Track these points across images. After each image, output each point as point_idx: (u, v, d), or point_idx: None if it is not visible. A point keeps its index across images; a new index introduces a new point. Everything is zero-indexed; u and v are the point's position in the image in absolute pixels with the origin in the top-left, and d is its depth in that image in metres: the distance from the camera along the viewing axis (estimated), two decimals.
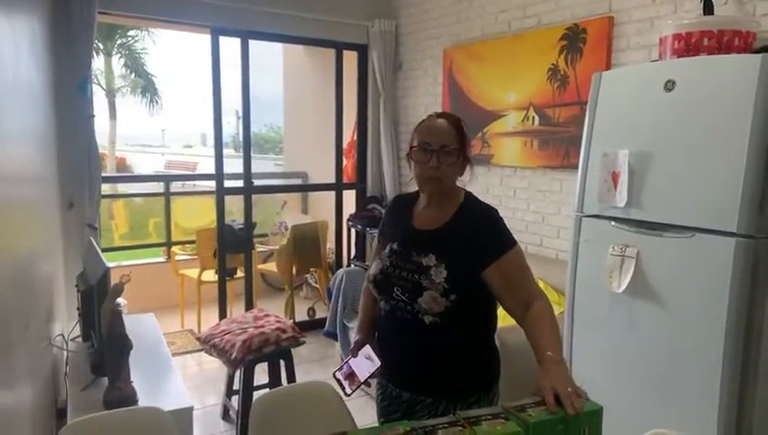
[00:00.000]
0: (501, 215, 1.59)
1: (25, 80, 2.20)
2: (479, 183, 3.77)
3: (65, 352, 2.53)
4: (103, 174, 3.65)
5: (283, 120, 7.22)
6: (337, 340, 3.73)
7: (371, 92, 4.65)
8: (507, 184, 3.65)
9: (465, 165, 1.59)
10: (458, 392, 1.55)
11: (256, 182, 4.46)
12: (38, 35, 2.60)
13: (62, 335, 2.51)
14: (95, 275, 2.36)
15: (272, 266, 5.27)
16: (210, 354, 3.10)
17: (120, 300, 3.08)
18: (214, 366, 4.02)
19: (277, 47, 6.81)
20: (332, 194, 4.86)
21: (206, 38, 4.02)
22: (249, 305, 4.38)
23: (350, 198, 4.87)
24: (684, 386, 1.97)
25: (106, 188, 4.15)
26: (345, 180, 4.88)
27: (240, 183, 4.30)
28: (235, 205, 5.19)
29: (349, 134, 4.95)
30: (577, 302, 2.36)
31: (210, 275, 4.60)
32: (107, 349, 2.12)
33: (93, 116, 3.49)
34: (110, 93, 14.54)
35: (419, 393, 1.58)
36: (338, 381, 1.66)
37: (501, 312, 1.64)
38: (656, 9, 2.76)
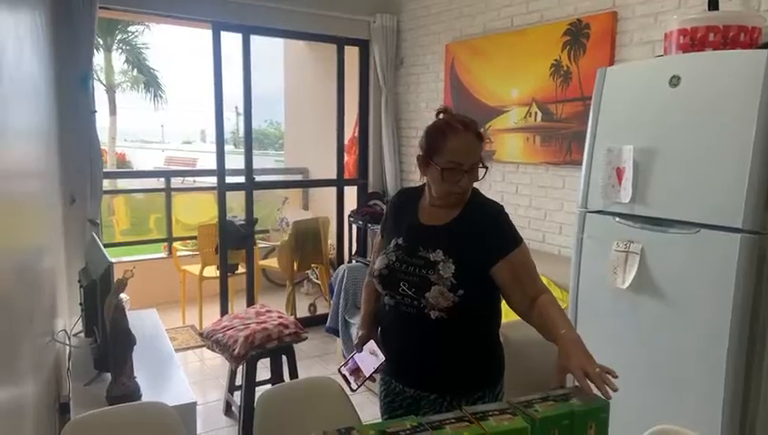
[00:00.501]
0: (508, 212, 1.59)
1: (28, 75, 2.20)
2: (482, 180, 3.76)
3: (68, 348, 2.52)
4: (104, 170, 3.64)
5: (283, 116, 7.20)
6: (338, 336, 3.72)
7: (373, 88, 4.65)
8: (509, 180, 3.65)
9: (484, 169, 1.58)
10: (463, 388, 1.55)
11: (257, 178, 4.45)
12: (40, 30, 2.59)
13: (65, 331, 2.51)
14: (98, 270, 2.35)
15: (273, 262, 5.26)
16: (212, 350, 3.09)
17: (122, 296, 3.09)
18: (215, 362, 4.03)
19: (278, 43, 6.79)
20: (334, 190, 4.85)
21: (206, 33, 4.00)
22: (251, 301, 4.38)
23: (351, 194, 4.87)
24: (688, 382, 1.97)
25: (106, 184, 4.14)
26: (346, 176, 4.87)
27: (241, 179, 4.29)
28: (235, 201, 5.18)
29: (350, 130, 4.94)
30: (581, 298, 2.36)
31: (212, 271, 4.60)
32: (110, 344, 2.12)
33: (95, 111, 3.48)
34: (110, 89, 14.51)
35: (424, 389, 1.58)
36: (343, 376, 1.66)
37: (504, 307, 1.64)
38: (660, 4, 2.75)
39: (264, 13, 4.08)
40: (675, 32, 2.15)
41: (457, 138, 1.51)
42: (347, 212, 4.76)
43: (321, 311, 4.86)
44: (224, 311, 4.31)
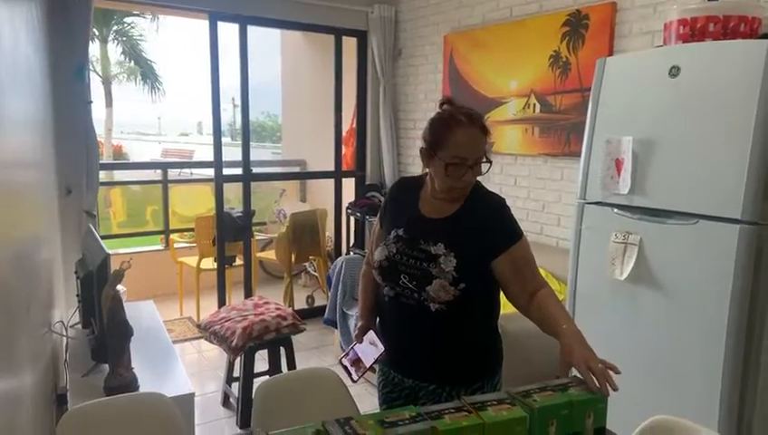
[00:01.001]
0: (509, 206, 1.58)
1: (24, 66, 2.18)
2: None
3: (65, 339, 2.52)
4: (100, 161, 3.63)
5: (280, 108, 7.17)
6: (336, 328, 3.73)
7: (371, 79, 4.62)
8: (508, 172, 3.64)
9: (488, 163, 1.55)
10: (462, 379, 1.55)
11: (254, 170, 4.43)
12: (36, 21, 2.57)
13: (62, 322, 2.50)
14: (94, 261, 2.34)
15: (270, 254, 5.26)
16: (210, 341, 3.10)
17: (119, 287, 3.08)
18: (213, 353, 4.03)
19: (275, 34, 6.75)
20: (331, 182, 4.84)
21: (203, 24, 3.97)
22: (248, 293, 4.37)
23: (349, 185, 4.86)
24: (686, 373, 1.97)
25: (103, 176, 4.12)
26: (344, 168, 4.86)
27: (238, 171, 4.28)
28: (233, 193, 5.17)
29: (348, 122, 4.92)
30: (579, 289, 2.36)
31: (209, 263, 4.59)
32: (108, 335, 2.11)
33: (91, 102, 3.46)
34: (107, 80, 14.43)
35: (422, 380, 1.58)
36: (344, 367, 1.65)
37: (502, 298, 1.63)
38: None
39: (261, 3, 4.05)
40: (674, 22, 2.14)
41: (462, 132, 1.48)
42: (345, 204, 4.75)
43: (318, 303, 4.86)
44: (221, 303, 4.31)
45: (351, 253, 4.63)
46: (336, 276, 3.77)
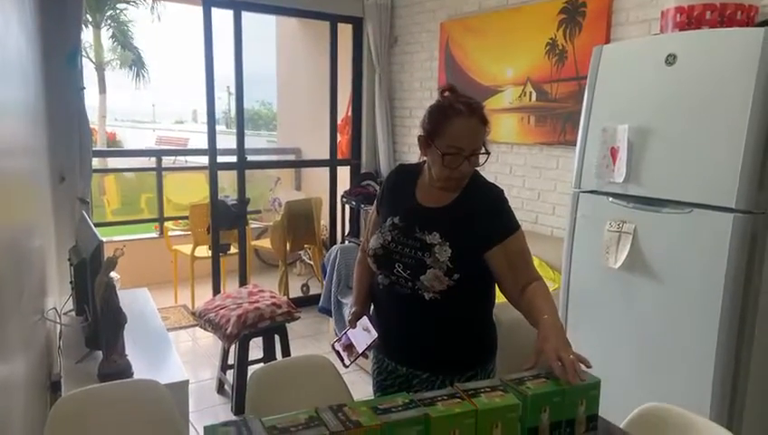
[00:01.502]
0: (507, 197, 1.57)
1: (15, 51, 2.15)
2: None
3: (58, 326, 2.51)
4: (94, 148, 3.60)
5: (275, 96, 7.12)
6: (331, 316, 3.73)
7: (366, 67, 4.59)
8: (503, 161, 3.63)
9: (486, 155, 1.53)
10: (456, 367, 1.55)
11: (249, 158, 4.41)
12: (28, 4, 2.53)
13: (56, 309, 2.49)
14: (88, 248, 2.33)
15: (265, 243, 5.25)
16: (205, 329, 3.10)
17: (112, 274, 3.07)
18: (208, 341, 4.03)
19: (270, 22, 6.69)
20: (326, 170, 4.82)
21: (197, 11, 3.93)
22: (243, 281, 4.37)
23: (344, 174, 4.84)
24: (679, 360, 1.98)
25: (96, 163, 4.09)
26: (339, 156, 4.84)
27: (233, 159, 4.26)
28: (227, 181, 5.15)
29: (343, 110, 4.90)
30: (573, 278, 2.36)
31: (203, 251, 4.58)
32: (101, 322, 2.11)
33: (83, 88, 3.42)
34: (100, 67, 14.30)
35: (416, 368, 1.58)
36: (336, 352, 1.65)
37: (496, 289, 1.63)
38: None
39: None
40: (671, 10, 2.13)
41: (460, 122, 1.46)
42: (340, 193, 4.74)
43: (313, 291, 4.87)
44: (216, 291, 4.30)
45: (346, 241, 4.63)
46: (331, 265, 3.77)
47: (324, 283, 3.83)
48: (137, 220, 6.47)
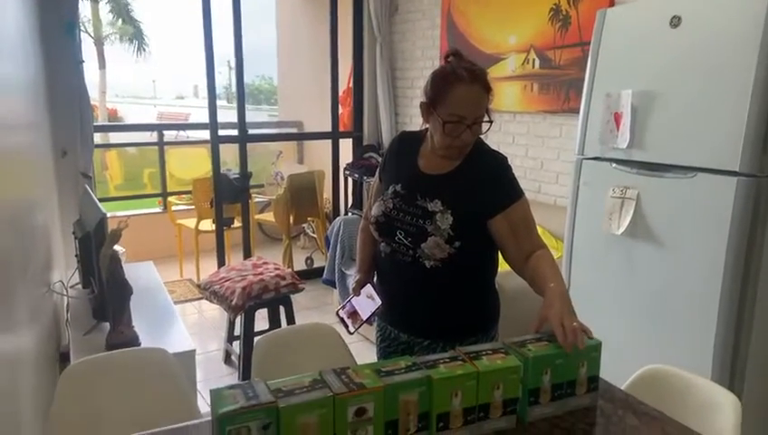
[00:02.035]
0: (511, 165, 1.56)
1: (13, 24, 2.13)
2: None
3: (66, 299, 2.54)
4: (95, 124, 3.59)
5: (276, 70, 7.06)
6: (335, 287, 3.76)
7: (367, 37, 4.53)
8: (506, 130, 3.61)
9: (489, 123, 1.50)
10: (457, 334, 1.56)
11: (251, 132, 4.39)
12: None
13: (62, 282, 2.52)
14: (92, 222, 2.34)
15: (269, 217, 5.26)
16: (210, 301, 3.12)
17: (117, 247, 3.09)
18: (214, 313, 4.07)
19: None
20: (329, 143, 4.80)
21: None
22: (247, 255, 4.39)
23: (346, 146, 4.82)
24: (681, 324, 2.00)
25: (98, 138, 4.08)
26: (341, 129, 4.81)
27: (234, 132, 4.24)
28: (229, 155, 5.13)
29: (345, 81, 4.85)
30: (575, 245, 2.36)
31: (207, 225, 4.60)
32: (108, 294, 2.13)
33: (83, 61, 3.40)
34: (99, 42, 14.15)
35: (418, 335, 1.59)
36: (341, 319, 1.66)
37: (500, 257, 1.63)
38: None
39: None
40: None
41: (462, 89, 1.42)
42: (342, 165, 4.73)
43: (317, 264, 4.89)
44: (221, 264, 4.33)
45: (349, 214, 4.64)
46: (334, 237, 3.78)
47: (328, 255, 3.85)
48: (140, 195, 6.47)
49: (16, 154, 1.91)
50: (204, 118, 4.26)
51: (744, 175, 1.78)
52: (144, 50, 14.30)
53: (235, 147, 4.29)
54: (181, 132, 9.08)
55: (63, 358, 2.32)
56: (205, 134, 4.38)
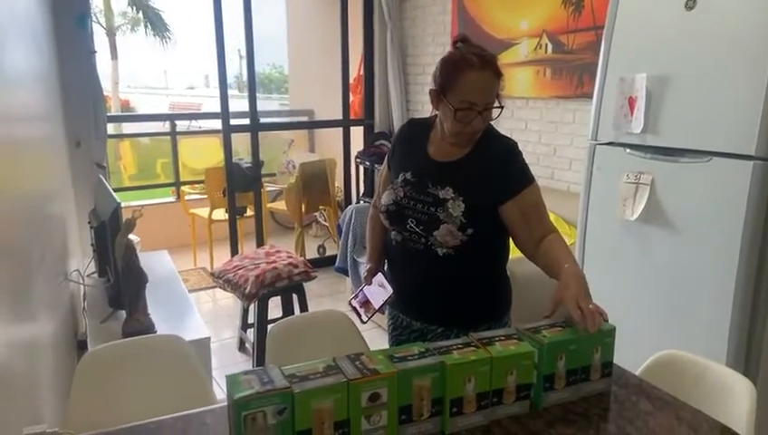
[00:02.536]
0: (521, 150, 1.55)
1: (25, 15, 2.14)
2: None
3: (82, 288, 2.57)
4: (111, 114, 3.61)
5: (286, 58, 7.04)
6: (348, 275, 3.77)
7: (378, 24, 4.50)
8: (518, 116, 3.58)
9: (500, 109, 1.49)
10: (470, 322, 1.56)
11: (262, 120, 4.40)
12: None
13: (78, 271, 2.55)
14: (107, 211, 2.37)
15: (281, 205, 5.28)
16: (224, 289, 3.15)
17: (132, 237, 3.12)
18: (228, 302, 4.11)
19: None
20: (340, 131, 4.79)
21: None
22: (260, 243, 4.42)
23: (357, 134, 4.81)
24: (696, 310, 1.98)
25: (112, 129, 4.10)
26: (352, 117, 4.80)
27: (246, 121, 4.25)
28: (241, 144, 5.15)
29: (355, 69, 4.84)
30: (589, 231, 2.35)
31: (220, 214, 4.63)
32: (123, 282, 2.16)
33: (95, 52, 3.42)
34: (111, 32, 14.18)
35: (430, 323, 1.59)
36: (354, 308, 1.67)
37: (511, 243, 1.62)
38: None
39: None
40: None
41: (473, 75, 1.41)
42: (353, 153, 4.72)
43: (330, 252, 4.91)
44: (234, 253, 4.36)
45: (361, 202, 4.64)
46: (346, 225, 3.78)
47: (340, 243, 3.85)
48: (153, 185, 6.51)
49: (29, 145, 1.93)
50: (215, 107, 4.27)
51: (761, 159, 1.76)
52: (169, 39, 14.23)
53: (246, 136, 4.30)
54: (194, 122, 9.13)
55: (81, 345, 2.36)
56: (217, 124, 4.39)
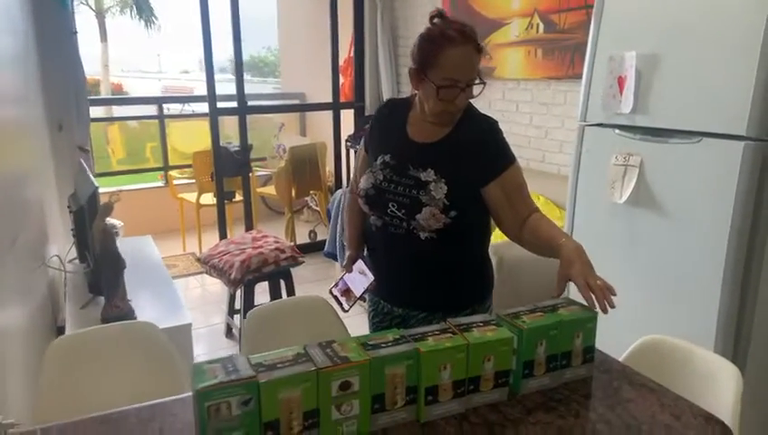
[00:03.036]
0: (502, 129, 1.50)
1: None
2: (481, 97, 3.61)
3: (63, 273, 2.53)
4: (94, 97, 3.54)
5: (277, 40, 6.93)
6: (337, 260, 3.73)
7: (368, 4, 4.41)
8: (510, 98, 3.52)
9: (481, 85, 1.44)
10: (452, 306, 1.52)
11: (251, 103, 4.32)
12: None
13: (58, 256, 2.50)
14: (85, 195, 2.32)
15: (272, 190, 5.22)
16: (210, 275, 3.11)
17: (115, 222, 3.07)
18: (216, 288, 4.07)
19: None
20: (331, 115, 4.72)
21: None
22: (249, 228, 4.37)
23: (348, 117, 4.74)
24: (684, 294, 1.95)
25: (101, 112, 4.03)
26: (342, 99, 4.73)
27: (235, 104, 4.18)
28: (232, 128, 5.07)
29: (346, 51, 4.75)
30: (577, 214, 2.31)
31: (209, 199, 4.57)
32: (101, 267, 2.11)
33: (76, 32, 3.33)
34: (100, 14, 13.94)
35: (412, 308, 1.55)
36: (335, 297, 1.63)
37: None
38: None
39: None
40: None
41: (455, 51, 1.36)
42: (344, 137, 4.66)
43: (321, 237, 4.86)
44: (222, 238, 4.31)
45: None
46: (335, 209, 3.74)
47: (329, 228, 3.81)
48: (142, 169, 6.43)
49: (4, 127, 1.87)
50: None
51: (752, 139, 1.71)
52: (153, 23, 14.00)
53: (237, 119, 4.23)
54: (187, 106, 9.00)
55: (61, 332, 2.32)
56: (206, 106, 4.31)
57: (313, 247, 4.60)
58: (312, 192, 5.10)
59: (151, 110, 5.71)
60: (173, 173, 5.25)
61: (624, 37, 2.06)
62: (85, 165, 2.65)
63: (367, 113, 4.61)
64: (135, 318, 2.09)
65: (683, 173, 1.90)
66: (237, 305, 3.19)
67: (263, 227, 4.85)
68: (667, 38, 1.92)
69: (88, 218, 2.21)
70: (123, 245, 2.89)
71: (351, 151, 4.69)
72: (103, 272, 2.09)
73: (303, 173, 4.76)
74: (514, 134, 3.36)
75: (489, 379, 1.18)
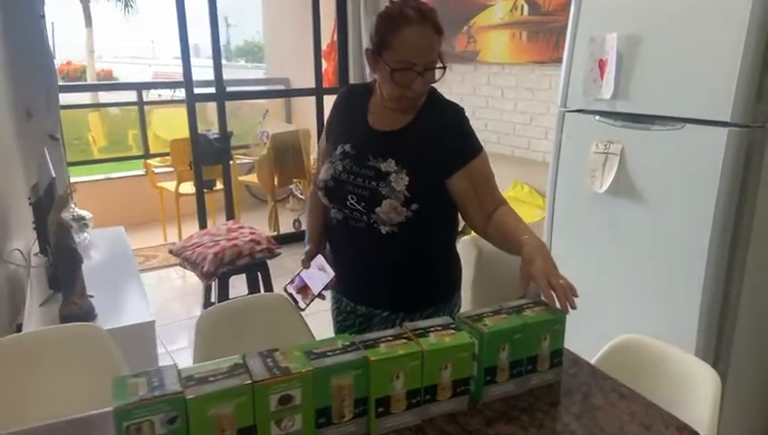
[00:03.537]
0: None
1: None
2: (465, 83, 3.52)
3: (28, 269, 2.43)
4: (65, 83, 3.41)
5: (261, 25, 6.78)
6: None
7: None
8: (494, 83, 3.41)
9: (442, 69, 1.35)
10: (416, 304, 1.44)
11: (232, 89, 4.20)
12: None
13: (19, 250, 2.40)
14: (43, 186, 2.21)
15: (255, 178, 5.11)
16: (184, 267, 3.02)
17: (85, 213, 2.96)
18: (197, 280, 3.97)
19: None
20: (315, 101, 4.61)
21: None
22: (230, 218, 4.27)
23: (331, 103, 4.62)
24: (666, 288, 1.87)
25: (87, 99, 3.90)
26: (326, 84, 4.61)
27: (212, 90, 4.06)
28: (215, 115, 4.95)
29: (329, 35, 4.62)
30: (557, 204, 2.22)
31: (188, 188, 4.46)
32: (58, 262, 2.02)
33: (43, 16, 3.20)
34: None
35: (375, 307, 1.47)
36: (290, 295, 1.54)
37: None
38: None
39: None
40: None
41: (411, 31, 1.26)
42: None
43: (306, 226, 4.76)
44: (202, 228, 4.21)
45: None
46: None
47: None
48: (122, 157, 6.28)
49: None
50: (204, 76, 4.08)
51: (736, 125, 1.62)
52: (131, 7, 13.75)
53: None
54: (177, 92, 8.83)
55: (20, 330, 2.23)
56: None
57: (297, 237, 4.51)
58: (295, 180, 4.99)
59: (133, 96, 5.57)
60: (152, 162, 5.13)
61: (606, 17, 1.96)
62: (47, 154, 2.54)
63: None
64: (95, 316, 2.00)
65: (665, 161, 1.81)
66: (213, 298, 3.10)
67: (247, 215, 4.76)
68: (649, 19, 1.83)
69: (45, 210, 2.11)
70: (93, 236, 2.78)
71: None
72: (60, 267, 1.99)
73: (286, 161, 4.65)
74: (500, 121, 3.26)
75: (447, 387, 1.10)
